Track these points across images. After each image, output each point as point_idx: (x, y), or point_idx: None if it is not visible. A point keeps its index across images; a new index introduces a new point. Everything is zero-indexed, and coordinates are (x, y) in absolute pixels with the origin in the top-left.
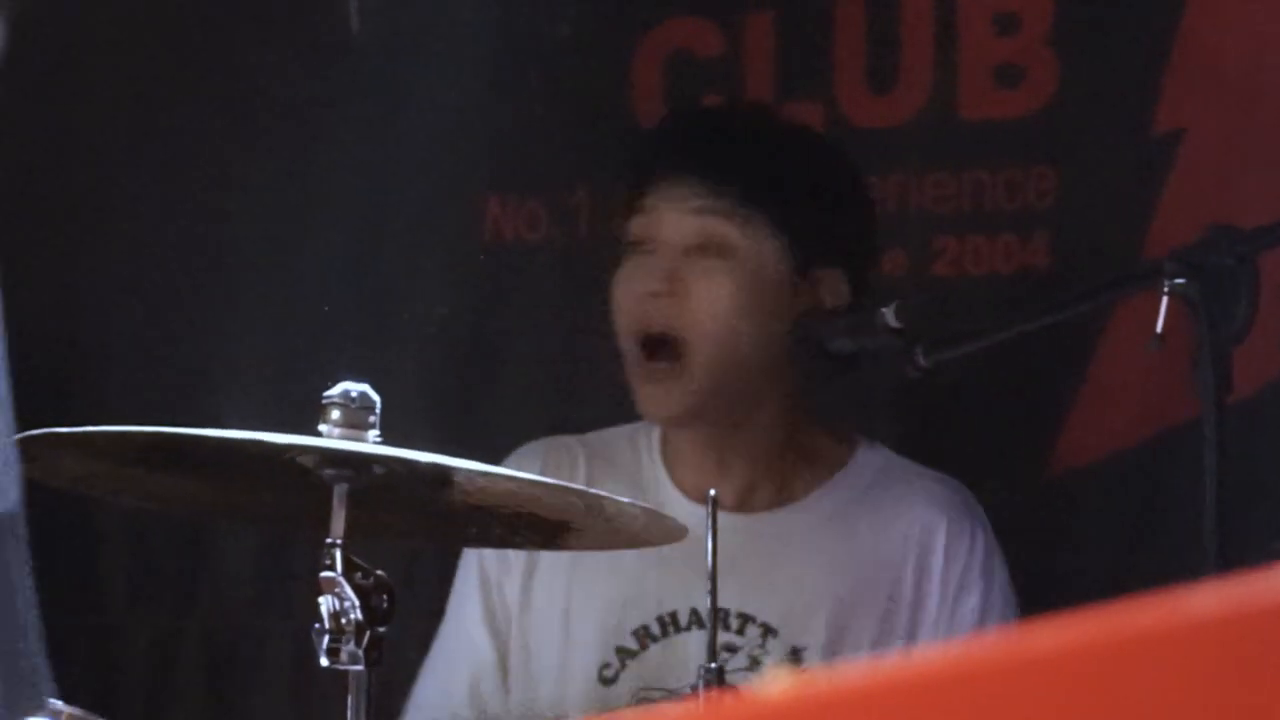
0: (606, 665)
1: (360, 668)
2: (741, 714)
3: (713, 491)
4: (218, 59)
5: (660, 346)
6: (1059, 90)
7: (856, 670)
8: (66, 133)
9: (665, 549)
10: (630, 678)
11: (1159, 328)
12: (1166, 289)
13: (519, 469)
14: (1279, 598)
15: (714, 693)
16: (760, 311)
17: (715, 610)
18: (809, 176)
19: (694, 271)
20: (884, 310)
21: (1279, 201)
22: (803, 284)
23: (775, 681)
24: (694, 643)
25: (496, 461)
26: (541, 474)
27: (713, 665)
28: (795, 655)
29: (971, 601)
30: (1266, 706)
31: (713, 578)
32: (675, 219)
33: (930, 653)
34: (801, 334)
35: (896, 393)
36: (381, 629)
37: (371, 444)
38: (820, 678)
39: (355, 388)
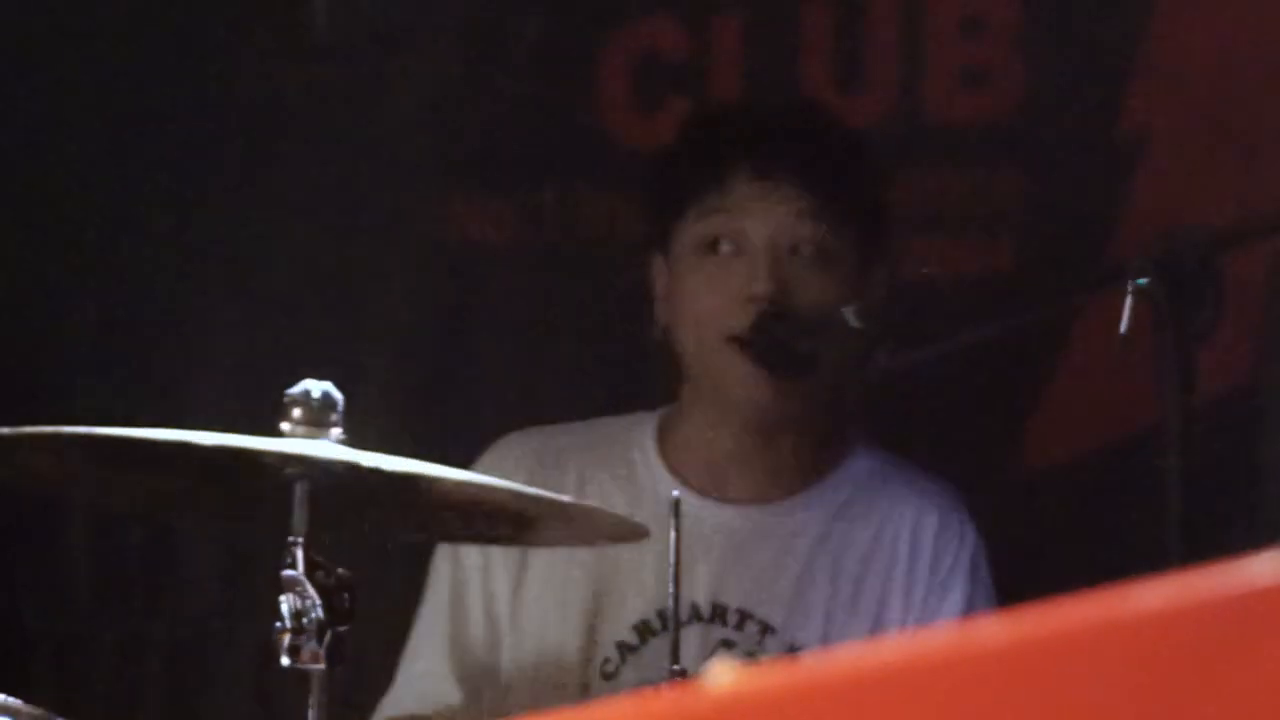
0: (607, 660)
1: (322, 667)
2: (690, 708)
3: (676, 493)
4: (185, 60)
5: (751, 346)
6: (1025, 93)
7: (803, 663)
8: (33, 130)
9: (667, 542)
10: (630, 672)
11: (1123, 328)
12: (1130, 289)
13: (507, 461)
14: (1231, 590)
15: (663, 687)
16: (836, 309)
17: (677, 610)
18: (871, 173)
19: (795, 274)
20: (845, 311)
21: (1243, 203)
22: (862, 281)
23: (721, 675)
24: (694, 637)
25: (464, 459)
26: (529, 479)
27: (675, 668)
28: (792, 653)
29: (955, 598)
30: (1222, 692)
31: (675, 579)
32: (769, 222)
33: (879, 645)
34: (766, 334)
35: (866, 391)
36: (343, 628)
37: (333, 443)
38: (766, 671)
39: (318, 386)
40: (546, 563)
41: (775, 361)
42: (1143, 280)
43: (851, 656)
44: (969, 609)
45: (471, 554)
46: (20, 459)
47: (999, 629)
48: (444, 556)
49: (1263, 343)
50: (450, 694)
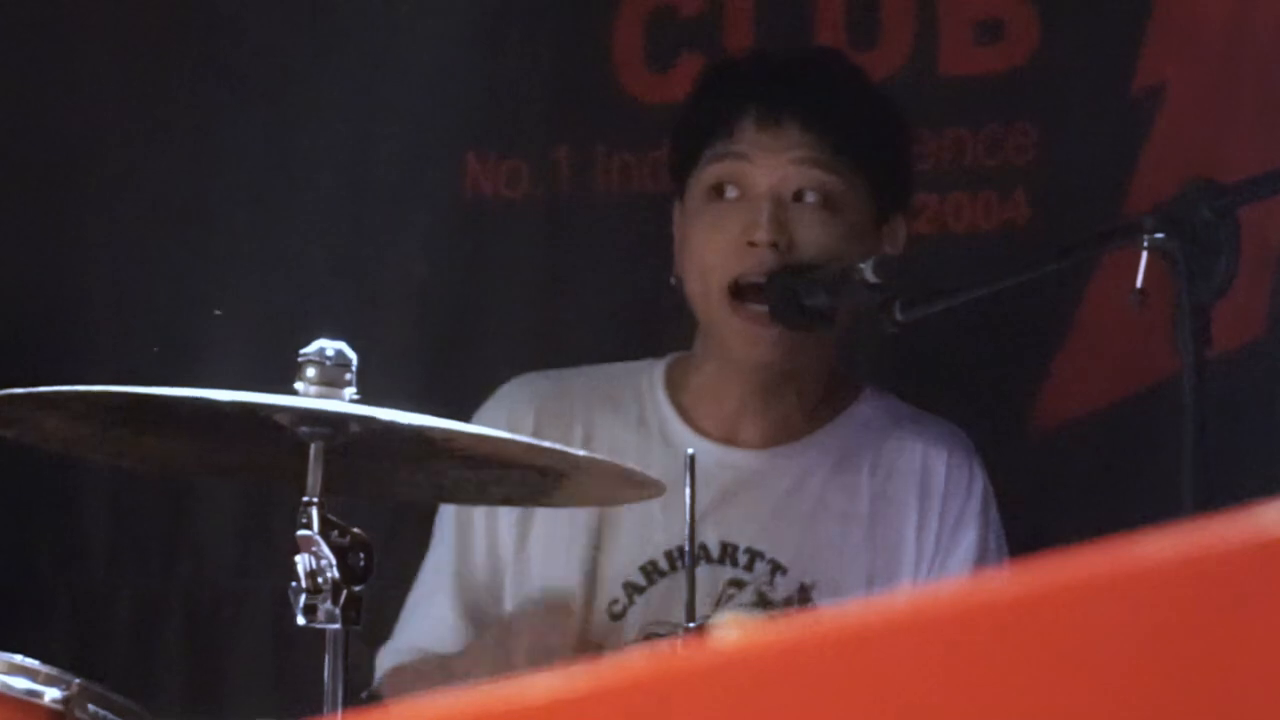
0: (615, 601)
1: (337, 626)
2: (698, 664)
3: (691, 451)
4: (198, 17)
5: (754, 292)
6: (1039, 46)
7: (810, 618)
8: (45, 91)
9: (674, 484)
10: (638, 613)
11: (1139, 283)
12: (1146, 245)
13: (516, 406)
14: (1243, 539)
15: (673, 643)
16: (851, 260)
17: (692, 569)
18: (886, 123)
19: (798, 221)
20: (862, 266)
21: (1259, 156)
22: (876, 233)
23: (730, 629)
24: (703, 577)
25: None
26: (537, 420)
27: (690, 625)
28: (804, 592)
29: (968, 539)
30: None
31: (690, 537)
32: (773, 167)
33: (886, 599)
34: (778, 290)
35: (880, 346)
36: (358, 588)
37: (347, 402)
38: (774, 625)
39: (331, 345)
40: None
41: (787, 315)
42: (1159, 235)
43: (859, 611)
44: (981, 549)
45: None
46: (35, 419)
47: (1008, 581)
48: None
49: (1278, 297)
50: (454, 637)
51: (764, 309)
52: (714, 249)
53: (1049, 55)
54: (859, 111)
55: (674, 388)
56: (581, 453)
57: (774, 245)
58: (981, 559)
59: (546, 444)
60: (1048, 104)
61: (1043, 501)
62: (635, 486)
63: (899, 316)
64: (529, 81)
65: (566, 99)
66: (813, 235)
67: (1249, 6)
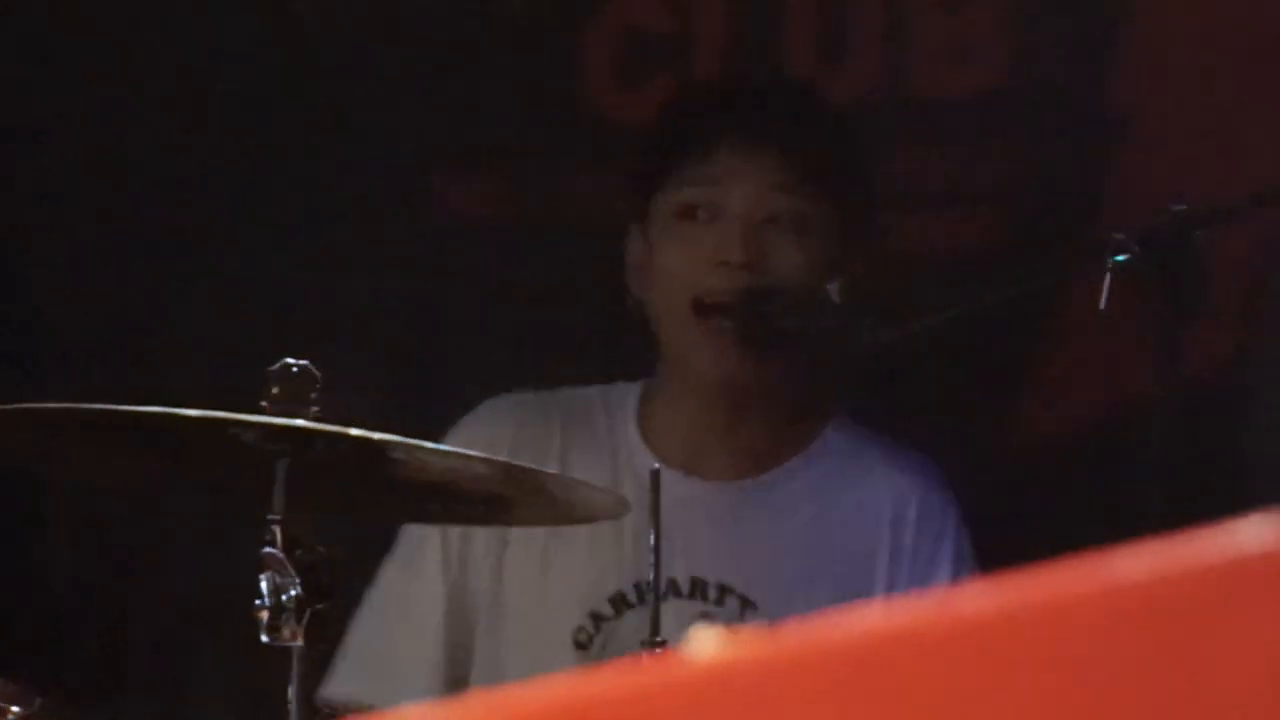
0: (581, 629)
1: (301, 644)
2: (672, 677)
3: (655, 465)
4: (166, 34)
5: (719, 310)
6: (1009, 68)
7: (785, 632)
8: (13, 108)
9: (645, 515)
10: (604, 644)
11: (1102, 304)
12: (1109, 266)
13: (492, 426)
14: (1214, 556)
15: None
16: (819, 284)
17: (658, 582)
18: (855, 153)
19: (771, 244)
20: (828, 288)
21: (1228, 180)
22: (843, 259)
23: (704, 643)
24: (673, 613)
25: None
26: (515, 439)
27: (658, 639)
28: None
29: (939, 577)
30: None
31: (656, 551)
32: (748, 190)
33: (861, 613)
34: (747, 312)
35: (850, 368)
36: (322, 605)
37: (310, 419)
38: (749, 639)
39: (296, 363)
40: (527, 532)
41: (756, 336)
42: (1121, 257)
43: (834, 625)
44: (953, 584)
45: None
46: (4, 435)
47: (981, 597)
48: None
49: (1249, 320)
50: (410, 673)
51: (729, 326)
52: (683, 268)
53: (1018, 77)
54: (830, 139)
55: (644, 417)
56: (551, 470)
57: (747, 267)
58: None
59: (515, 463)
60: (1017, 126)
61: (1014, 520)
62: (602, 508)
63: (869, 338)
64: (500, 98)
65: (536, 117)
66: (784, 258)
67: (1218, 29)
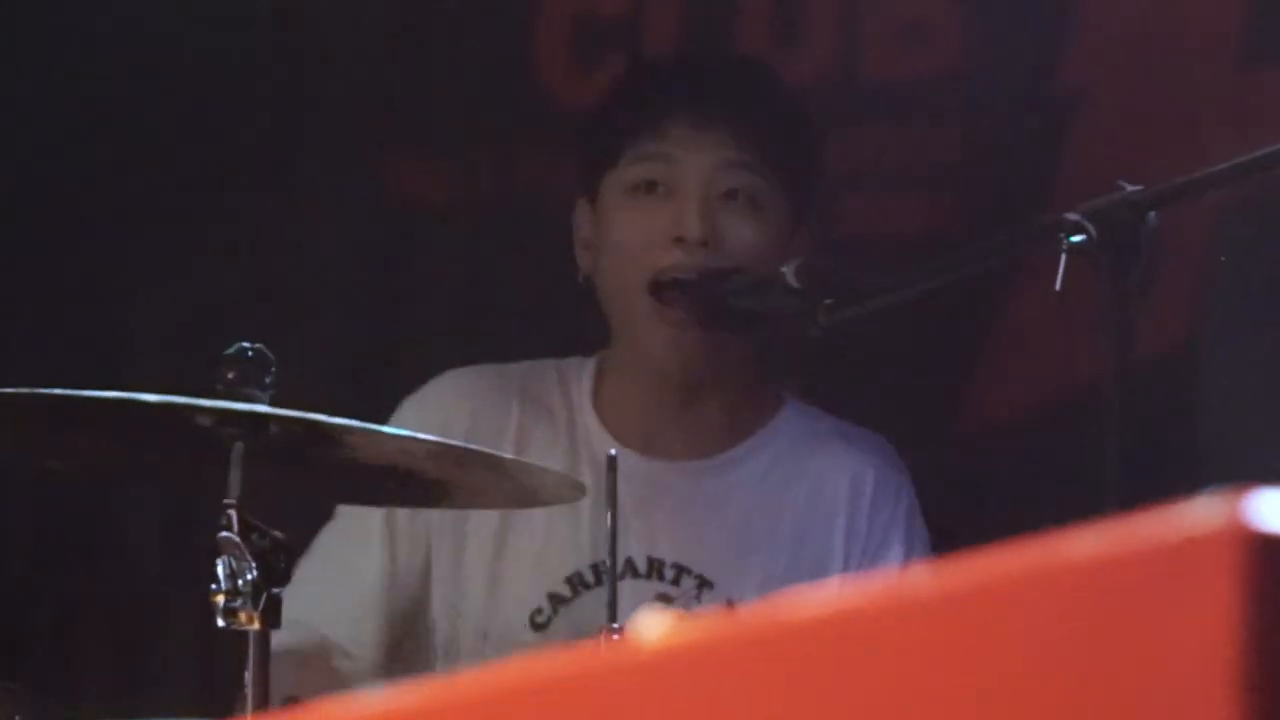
0: (539, 611)
1: (257, 628)
2: (622, 661)
3: (612, 451)
4: (122, 23)
5: (675, 290)
6: (963, 50)
7: (735, 614)
8: None
9: (602, 495)
10: (562, 625)
11: (1058, 285)
12: (1065, 247)
13: (448, 404)
14: (1160, 537)
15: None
16: (774, 262)
17: (614, 568)
18: (806, 131)
19: (727, 220)
20: (784, 270)
21: (1180, 161)
22: (793, 236)
23: (653, 626)
24: (630, 592)
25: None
26: (473, 416)
27: (614, 626)
28: (730, 607)
29: (894, 553)
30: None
31: (612, 537)
32: (703, 167)
33: (809, 595)
34: (705, 292)
35: (806, 349)
36: (278, 590)
37: (264, 403)
38: (698, 621)
39: (251, 347)
40: (483, 514)
41: (713, 317)
42: (1077, 238)
43: (782, 607)
44: (906, 563)
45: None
46: None
47: (932, 578)
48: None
49: (1200, 302)
50: (360, 632)
51: (686, 307)
52: (638, 243)
53: (972, 59)
54: (784, 118)
55: (598, 395)
56: (505, 455)
57: (704, 243)
58: (905, 570)
59: (467, 446)
60: (971, 107)
61: (969, 503)
62: (558, 491)
63: (824, 320)
64: (453, 82)
65: (489, 100)
66: (741, 235)
67: (1169, 10)
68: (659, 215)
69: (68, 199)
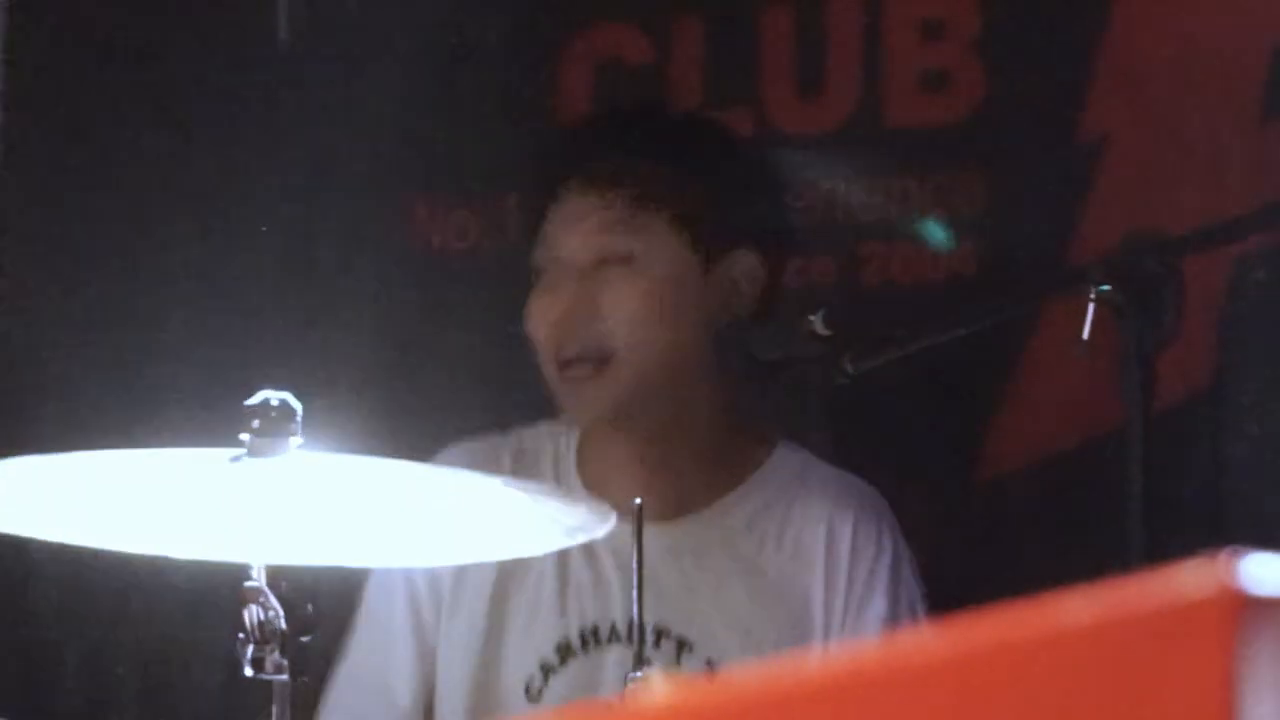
0: (531, 679)
1: (284, 677)
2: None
3: (638, 501)
4: (146, 65)
5: (578, 364)
6: (985, 97)
7: (735, 677)
8: None
9: (587, 559)
10: (553, 694)
11: (1085, 334)
12: (1093, 295)
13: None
14: (1159, 601)
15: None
16: (673, 308)
17: (642, 619)
18: (697, 162)
19: (596, 288)
20: (811, 318)
21: (1203, 207)
22: (714, 271)
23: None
24: (614, 658)
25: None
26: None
27: (638, 674)
28: (710, 669)
29: (877, 605)
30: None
31: (638, 587)
32: (571, 241)
33: (806, 659)
34: (728, 340)
35: (823, 398)
36: (306, 638)
37: (293, 452)
38: (699, 683)
39: (276, 396)
40: (473, 585)
41: (570, 367)
42: (1105, 287)
43: (781, 671)
44: (892, 613)
45: (399, 591)
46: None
47: (925, 642)
48: (377, 590)
49: (1224, 349)
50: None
51: (590, 370)
52: (538, 330)
53: (995, 106)
54: (653, 160)
55: (582, 456)
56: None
57: (572, 317)
58: (893, 624)
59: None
60: (994, 155)
61: (989, 551)
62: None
63: (850, 369)
64: (477, 130)
65: (514, 147)
66: (614, 296)
67: (1192, 56)
68: (544, 298)
69: (90, 246)
